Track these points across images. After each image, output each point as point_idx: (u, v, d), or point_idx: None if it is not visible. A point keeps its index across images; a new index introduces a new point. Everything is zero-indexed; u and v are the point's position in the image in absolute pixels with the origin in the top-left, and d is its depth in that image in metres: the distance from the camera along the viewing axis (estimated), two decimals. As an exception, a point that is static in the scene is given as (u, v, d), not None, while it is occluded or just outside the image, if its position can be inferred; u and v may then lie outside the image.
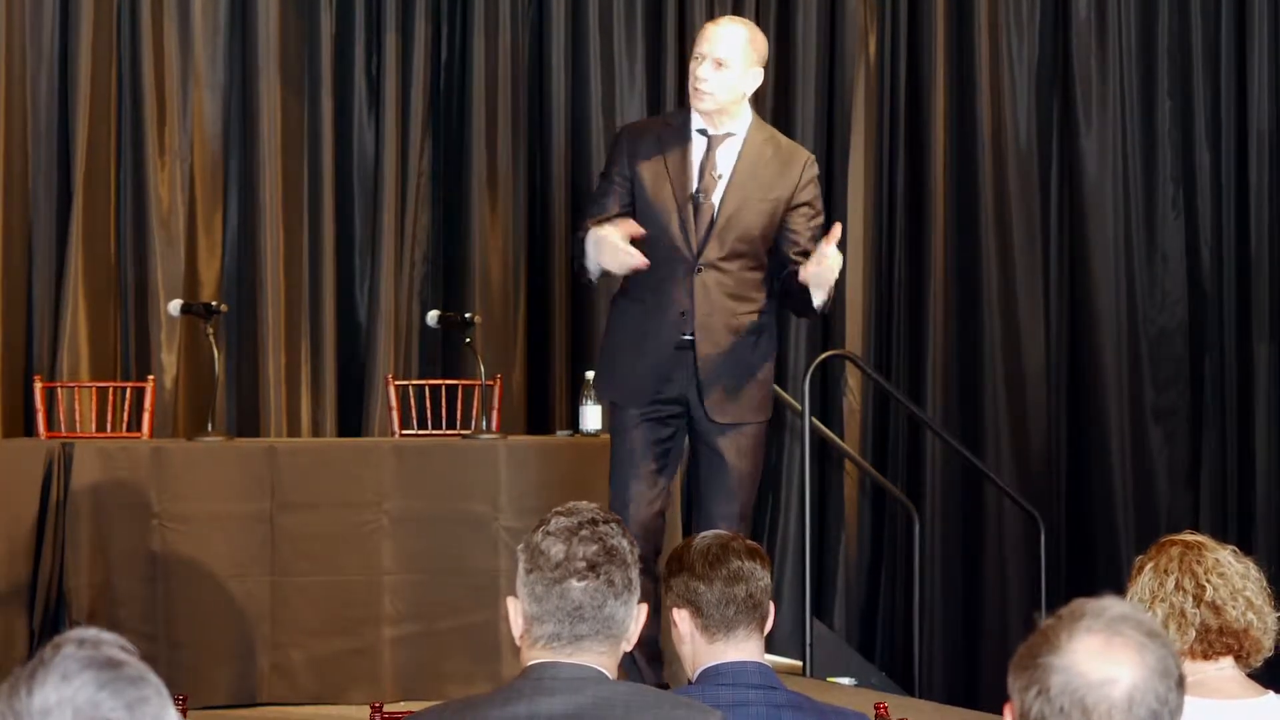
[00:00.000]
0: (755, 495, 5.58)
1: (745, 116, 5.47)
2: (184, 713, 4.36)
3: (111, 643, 1.81)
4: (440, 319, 7.23)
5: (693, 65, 5.41)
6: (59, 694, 1.76)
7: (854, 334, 8.76)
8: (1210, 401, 9.18)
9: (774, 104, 8.76)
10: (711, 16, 8.59)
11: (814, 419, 7.96)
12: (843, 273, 8.69)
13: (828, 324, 8.75)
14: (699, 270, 5.38)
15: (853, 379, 8.75)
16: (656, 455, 5.41)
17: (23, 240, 7.60)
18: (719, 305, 5.39)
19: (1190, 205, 9.23)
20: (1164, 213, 9.22)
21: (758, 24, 8.63)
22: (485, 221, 8.21)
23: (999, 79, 9.02)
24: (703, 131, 5.43)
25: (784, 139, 5.64)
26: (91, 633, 1.81)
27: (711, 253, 5.38)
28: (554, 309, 8.30)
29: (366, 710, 4.38)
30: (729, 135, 5.44)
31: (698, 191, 5.39)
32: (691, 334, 5.37)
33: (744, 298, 5.43)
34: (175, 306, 7.05)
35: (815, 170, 5.54)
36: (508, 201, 8.26)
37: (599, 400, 6.25)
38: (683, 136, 5.44)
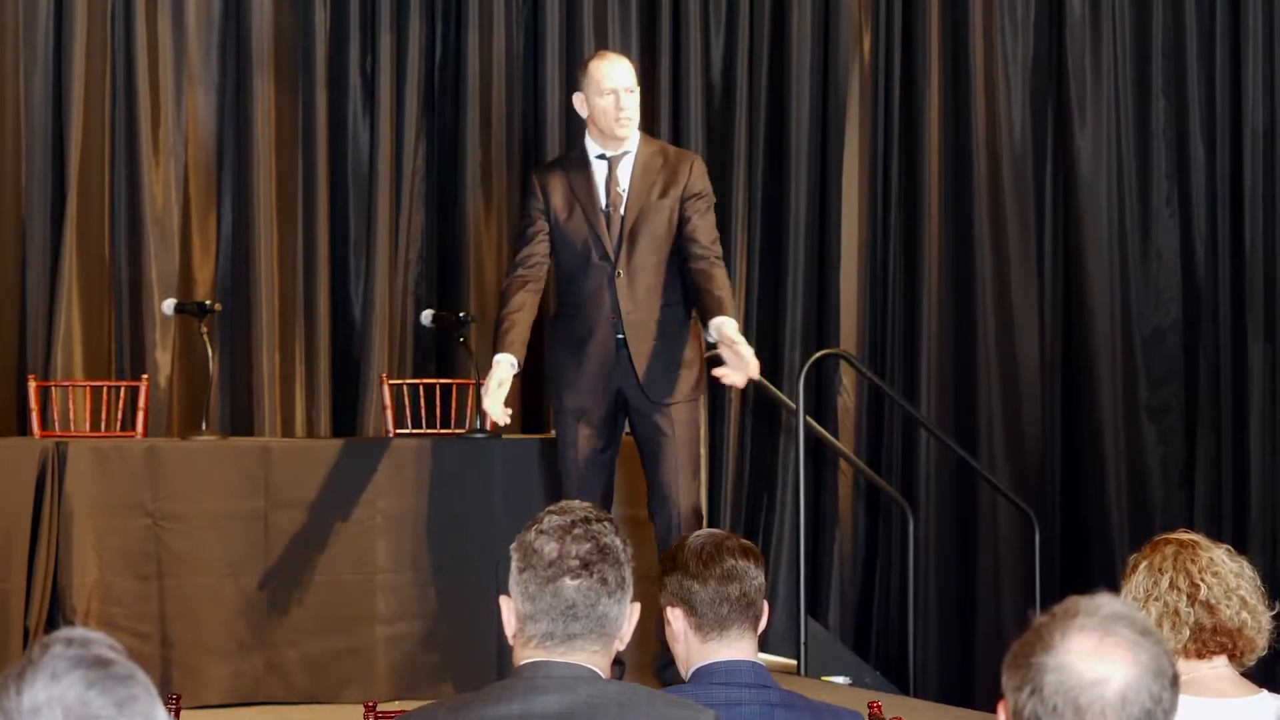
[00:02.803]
0: (700, 464, 6.29)
1: (635, 135, 6.14)
2: (178, 712, 4.35)
3: (100, 642, 1.81)
4: (434, 318, 7.22)
5: (610, 101, 6.03)
6: (48, 693, 1.77)
7: (848, 333, 8.76)
8: (1205, 400, 9.18)
9: (769, 103, 8.76)
10: (704, 16, 8.61)
11: (808, 418, 7.96)
12: (837, 270, 8.78)
13: (822, 323, 8.75)
14: (618, 275, 6.02)
15: (847, 378, 8.75)
16: (598, 451, 6.08)
17: (17, 239, 7.59)
18: (642, 302, 6.03)
19: (1185, 203, 9.24)
20: (1158, 210, 9.23)
21: (752, 23, 8.72)
22: (479, 220, 8.20)
23: (993, 77, 9.02)
24: (601, 156, 6.10)
25: (671, 147, 6.36)
26: (80, 632, 1.82)
27: (626, 257, 6.02)
28: (548, 308, 8.29)
29: (360, 709, 4.37)
30: (625, 154, 6.11)
31: (607, 206, 6.05)
32: (623, 331, 6.01)
33: (661, 292, 6.08)
34: (169, 305, 7.04)
35: (703, 167, 6.21)
36: (502, 200, 8.26)
37: (549, 405, 6.52)
38: (584, 164, 6.12)
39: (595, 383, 6.04)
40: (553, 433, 7.34)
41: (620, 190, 6.07)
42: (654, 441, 6.05)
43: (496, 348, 6.05)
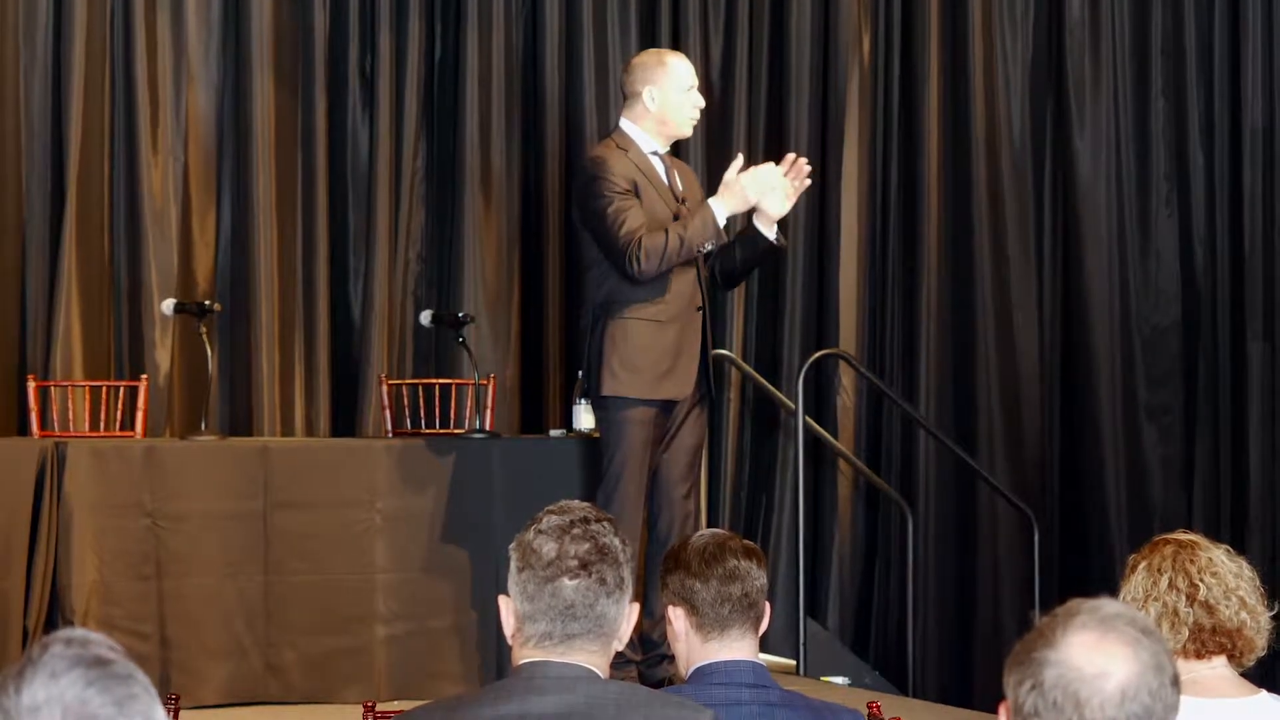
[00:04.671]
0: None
1: None
2: (176, 712, 4.35)
3: (99, 642, 1.81)
4: (433, 318, 7.22)
5: (691, 98, 6.14)
6: (47, 692, 1.77)
7: (847, 333, 8.76)
8: (1204, 399, 9.18)
9: (768, 103, 8.76)
10: (704, 16, 8.60)
11: (807, 418, 7.96)
12: (837, 271, 8.78)
13: (821, 323, 8.75)
14: (699, 267, 6.15)
15: (846, 378, 8.75)
16: (654, 450, 6.10)
17: (16, 239, 7.58)
18: (706, 294, 6.19)
19: (1184, 203, 9.24)
20: (1157, 211, 9.23)
21: (752, 24, 8.72)
22: (479, 220, 8.20)
23: (993, 77, 9.02)
24: (655, 152, 6.18)
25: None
26: (79, 632, 1.82)
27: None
28: (548, 308, 8.30)
29: (359, 709, 4.37)
30: (668, 152, 6.28)
31: (677, 200, 6.12)
32: (708, 323, 6.17)
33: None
34: (169, 306, 7.03)
35: None
36: (501, 200, 8.25)
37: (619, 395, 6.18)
38: (644, 158, 6.15)
39: (690, 374, 6.09)
40: (551, 433, 7.35)
41: (679, 186, 6.22)
42: (681, 440, 6.13)
43: (703, 218, 6.00)
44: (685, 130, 6.22)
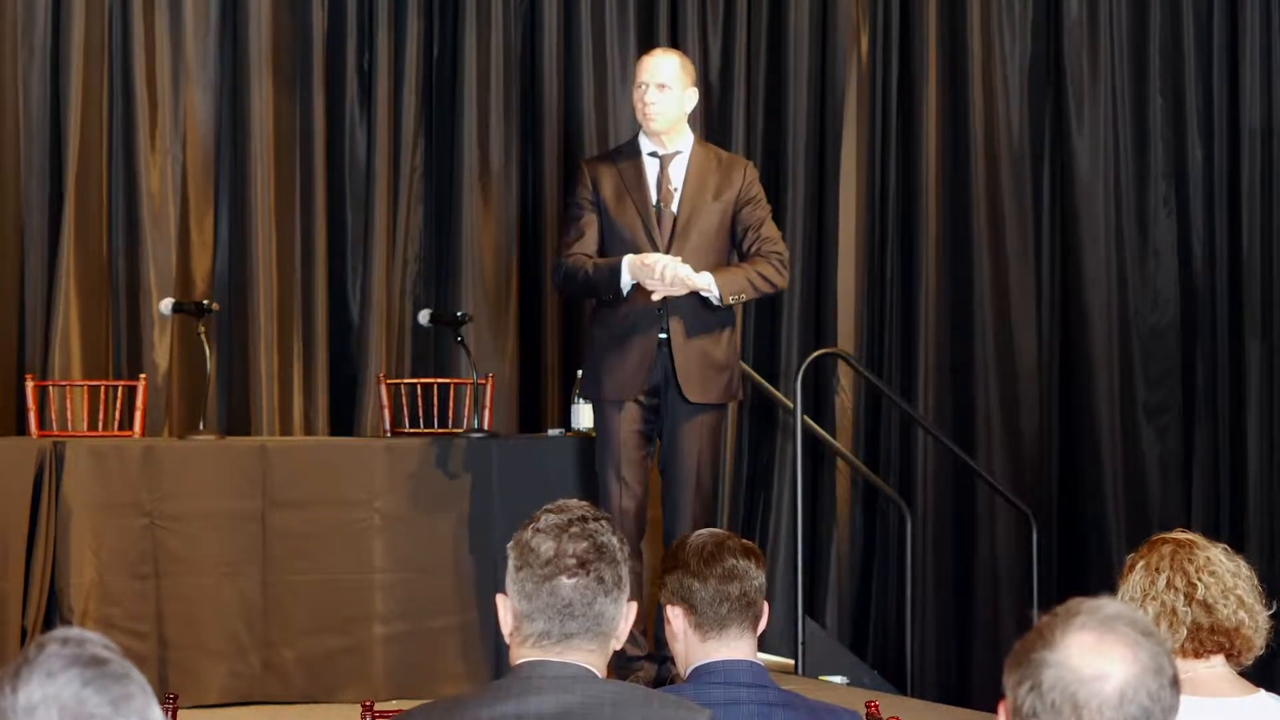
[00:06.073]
0: (715, 477, 6.48)
1: (688, 136, 6.34)
2: (174, 712, 4.35)
3: (95, 641, 1.81)
4: (432, 318, 7.22)
5: (639, 93, 6.26)
6: (44, 691, 1.77)
7: (846, 332, 8.76)
8: (1202, 398, 9.19)
9: (766, 102, 8.76)
10: (702, 16, 8.61)
11: (806, 417, 7.96)
12: (835, 270, 8.79)
13: (820, 322, 8.75)
14: None
15: (845, 377, 8.75)
16: (639, 444, 6.16)
17: (15, 239, 7.58)
18: (688, 300, 6.13)
19: (1182, 203, 9.25)
20: (1156, 211, 9.24)
21: (750, 22, 8.73)
22: (478, 219, 8.20)
23: (991, 77, 9.02)
24: (654, 154, 6.27)
25: (724, 153, 6.54)
26: (75, 632, 1.82)
27: (676, 252, 6.12)
28: (546, 307, 8.30)
29: (358, 709, 4.37)
30: (677, 153, 6.28)
31: (658, 202, 6.20)
32: (667, 325, 6.14)
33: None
34: (167, 305, 7.03)
35: (755, 173, 6.41)
36: (500, 199, 8.25)
37: (587, 400, 6.58)
38: (636, 160, 6.29)
39: (634, 375, 6.14)
40: (550, 432, 7.36)
41: (672, 188, 6.24)
42: (676, 444, 6.16)
43: (612, 267, 6.08)
44: (644, 125, 6.29)
